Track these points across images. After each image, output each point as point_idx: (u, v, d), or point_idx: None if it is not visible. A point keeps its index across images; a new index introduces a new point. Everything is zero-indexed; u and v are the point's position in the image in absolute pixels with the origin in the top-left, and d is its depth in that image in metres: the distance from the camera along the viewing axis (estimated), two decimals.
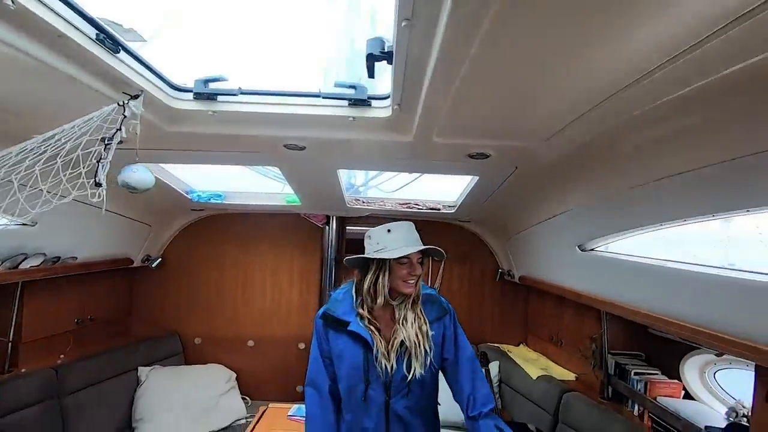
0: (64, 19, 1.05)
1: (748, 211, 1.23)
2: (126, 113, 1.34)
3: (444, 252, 1.51)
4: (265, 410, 2.59)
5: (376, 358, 1.44)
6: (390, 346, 1.46)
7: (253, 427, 2.38)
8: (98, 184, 1.20)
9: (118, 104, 1.33)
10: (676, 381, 2.22)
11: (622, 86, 1.14)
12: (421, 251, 1.48)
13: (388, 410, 1.47)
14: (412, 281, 1.46)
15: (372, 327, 1.47)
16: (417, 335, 1.45)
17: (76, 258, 2.57)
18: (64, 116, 1.27)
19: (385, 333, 1.49)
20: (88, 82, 1.27)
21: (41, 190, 1.16)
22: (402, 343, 1.44)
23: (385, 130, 1.66)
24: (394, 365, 1.44)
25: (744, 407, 1.91)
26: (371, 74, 1.30)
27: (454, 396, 1.58)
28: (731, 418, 1.90)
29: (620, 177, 1.68)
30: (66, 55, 1.15)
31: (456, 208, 2.89)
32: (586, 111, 1.33)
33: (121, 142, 1.55)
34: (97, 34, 1.12)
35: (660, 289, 1.77)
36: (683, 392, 2.20)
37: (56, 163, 1.13)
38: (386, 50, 1.21)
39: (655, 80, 1.07)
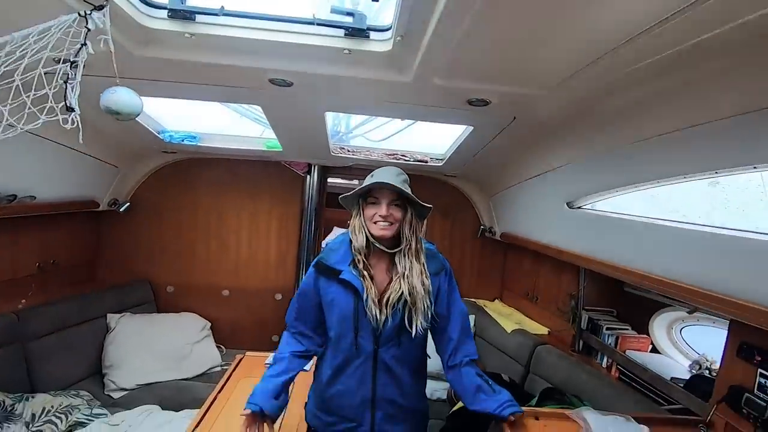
0: None
1: (755, 168, 1.21)
2: (89, 26, 1.16)
3: (421, 202, 1.41)
4: (242, 358, 2.55)
5: (366, 304, 1.40)
6: (385, 296, 1.42)
7: (230, 374, 2.35)
8: (70, 108, 1.04)
9: (79, 14, 1.15)
10: (644, 336, 2.33)
11: (623, 41, 1.12)
12: (400, 196, 1.40)
13: (376, 359, 1.45)
14: (383, 224, 1.39)
15: (366, 273, 1.42)
16: (422, 290, 1.41)
17: (35, 198, 2.36)
18: (14, 24, 1.09)
19: (380, 282, 1.45)
20: None
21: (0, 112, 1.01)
22: (401, 296, 1.40)
23: (382, 66, 1.54)
24: (389, 316, 1.41)
25: (707, 360, 2.02)
26: None
27: (437, 347, 1.58)
28: (695, 370, 2.01)
29: (614, 134, 1.66)
30: None
31: (444, 161, 2.82)
32: (589, 63, 1.29)
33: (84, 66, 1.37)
34: None
35: (641, 246, 1.80)
36: (650, 347, 2.31)
37: (14, 81, 0.96)
38: None
39: (653, 36, 1.06)
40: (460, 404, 2.33)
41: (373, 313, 1.40)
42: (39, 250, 2.70)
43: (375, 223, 1.39)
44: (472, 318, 3.22)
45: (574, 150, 1.93)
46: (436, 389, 2.84)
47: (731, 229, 1.42)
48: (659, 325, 2.34)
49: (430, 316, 1.44)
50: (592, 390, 2.13)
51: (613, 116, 1.58)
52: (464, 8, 1.06)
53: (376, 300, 1.42)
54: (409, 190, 1.40)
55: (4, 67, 1.05)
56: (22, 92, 1.03)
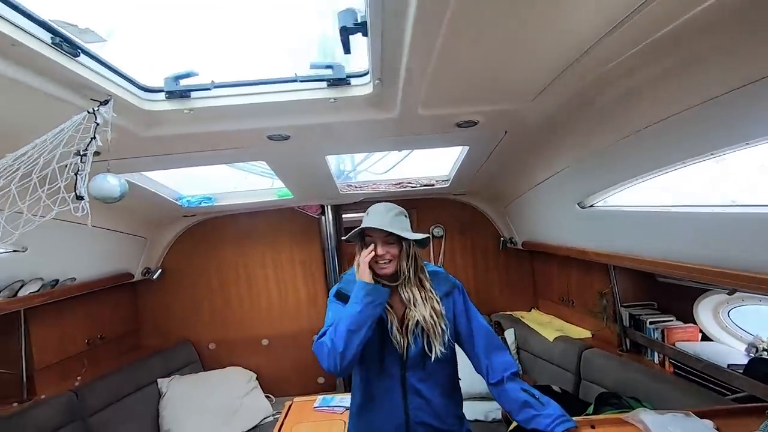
0: (15, 26, 0.99)
1: (747, 144, 1.19)
2: (98, 120, 1.28)
3: (404, 234, 1.41)
4: (290, 405, 2.58)
5: (391, 332, 1.42)
6: (403, 325, 1.45)
7: (282, 423, 2.37)
8: (80, 197, 1.15)
9: (88, 112, 1.27)
10: (691, 325, 2.22)
11: (597, 39, 1.13)
12: (389, 233, 1.42)
13: (404, 384, 1.46)
14: (382, 263, 1.43)
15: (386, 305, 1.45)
16: (432, 315, 1.43)
17: (75, 279, 2.53)
18: (33, 131, 1.21)
19: (398, 310, 1.48)
20: (52, 91, 1.21)
21: (21, 211, 1.12)
22: (417, 323, 1.42)
23: (368, 107, 1.60)
24: (411, 343, 1.43)
25: (763, 341, 1.91)
26: (347, 49, 1.24)
27: (475, 367, 1.57)
28: (752, 354, 1.89)
29: (611, 129, 1.64)
30: (24, 65, 1.10)
31: (449, 182, 2.85)
32: (566, 67, 1.30)
33: (98, 153, 1.51)
34: (52, 38, 1.06)
35: (663, 235, 1.75)
36: (700, 335, 2.20)
37: (32, 179, 1.08)
38: (359, 21, 1.15)
39: (626, 29, 1.06)
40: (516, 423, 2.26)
41: (398, 339, 1.43)
42: (86, 327, 2.86)
43: (376, 262, 1.43)
44: (511, 332, 3.15)
45: (574, 150, 1.93)
46: (490, 410, 2.77)
47: (747, 205, 1.37)
48: (704, 311, 2.23)
49: (447, 339, 1.45)
50: (648, 389, 2.04)
51: (604, 113, 1.59)
52: (429, 44, 1.11)
53: (400, 328, 1.44)
54: (403, 224, 1.44)
55: (24, 169, 1.18)
56: (38, 188, 1.14)
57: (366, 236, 1.46)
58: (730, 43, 1.05)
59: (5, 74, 1.09)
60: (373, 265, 1.43)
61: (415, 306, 1.43)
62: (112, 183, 1.25)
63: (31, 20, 1.01)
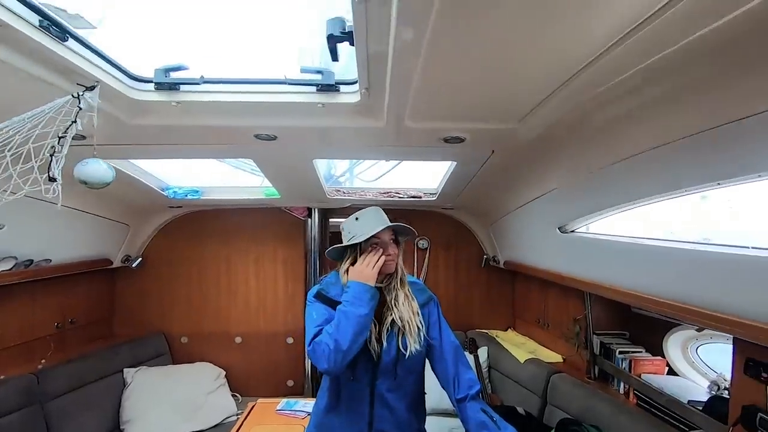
0: (3, 6, 0.99)
1: (719, 183, 1.21)
2: (81, 105, 1.28)
3: (411, 227, 1.52)
4: (253, 406, 2.57)
5: (369, 339, 1.43)
6: (379, 329, 1.47)
7: (241, 424, 2.36)
8: (52, 179, 1.15)
9: (72, 96, 1.27)
10: (659, 358, 2.25)
11: (587, 61, 1.12)
12: (394, 231, 1.52)
13: (372, 392, 1.47)
14: (390, 262, 1.48)
15: None
16: (409, 313, 1.47)
17: (51, 260, 2.50)
18: (15, 112, 1.21)
19: (376, 316, 1.49)
20: (37, 73, 1.21)
21: None
22: (393, 323, 1.45)
23: (356, 115, 1.62)
24: (385, 345, 1.45)
25: (725, 380, 1.93)
26: (335, 57, 1.26)
27: (439, 381, 1.58)
28: (713, 392, 1.92)
29: (594, 156, 1.67)
30: (10, 46, 1.10)
31: (437, 196, 2.87)
32: (555, 89, 1.31)
33: (84, 137, 1.50)
34: (40, 20, 1.06)
35: (640, 268, 1.78)
36: (667, 368, 2.23)
37: (4, 156, 1.07)
38: (347, 30, 1.17)
39: (618, 54, 1.06)
40: None
41: (374, 346, 1.44)
42: (57, 310, 2.82)
43: (384, 263, 1.47)
44: (484, 350, 3.16)
45: (558, 174, 1.96)
46: (454, 427, 2.76)
47: (723, 245, 1.40)
48: (674, 345, 2.26)
49: (423, 338, 1.48)
50: (609, 418, 2.05)
51: (590, 138, 1.61)
52: (412, 57, 1.13)
53: (378, 336, 1.46)
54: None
55: None
56: (10, 166, 1.14)
57: (374, 237, 1.48)
58: (722, 75, 1.05)
59: None
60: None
61: (395, 305, 1.47)
62: (102, 168, 1.25)
63: (20, 2, 1.02)
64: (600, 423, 2.06)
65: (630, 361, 2.25)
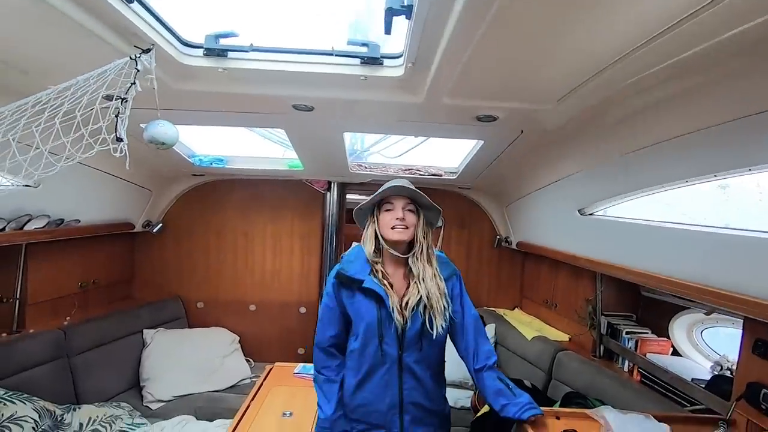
0: None
1: (750, 170, 1.27)
2: (138, 67, 1.32)
3: (425, 195, 1.51)
4: (271, 369, 2.66)
5: (391, 312, 1.47)
6: (403, 303, 1.50)
7: (261, 384, 2.45)
8: (119, 139, 1.20)
9: (130, 57, 1.31)
10: (665, 339, 2.34)
11: (626, 52, 1.18)
12: (412, 201, 1.51)
13: (401, 364, 1.51)
14: (399, 227, 1.48)
15: (385, 282, 1.50)
16: (437, 292, 1.49)
17: (80, 221, 2.56)
18: (76, 71, 1.25)
19: (398, 288, 1.53)
20: (101, 33, 1.25)
21: (59, 146, 1.16)
22: (419, 300, 1.48)
23: (395, 90, 1.66)
24: (409, 321, 1.48)
25: (728, 361, 2.03)
26: (388, 30, 1.29)
27: (458, 351, 1.64)
28: (716, 372, 2.02)
29: (622, 141, 1.72)
30: (81, 3, 1.13)
31: (458, 175, 2.92)
32: (591, 75, 1.36)
33: (125, 100, 1.54)
34: None
35: (656, 250, 1.84)
36: (671, 349, 2.33)
37: (75, 116, 1.12)
38: (406, 4, 1.20)
39: (656, 47, 1.12)
40: (483, 410, 2.37)
41: (398, 319, 1.47)
42: (81, 270, 2.90)
43: (392, 228, 1.48)
44: (492, 327, 3.26)
45: (583, 158, 2.01)
46: (459, 398, 2.88)
47: (738, 229, 1.47)
48: (679, 328, 2.36)
49: (448, 316, 1.52)
50: (614, 393, 2.15)
51: (618, 125, 1.66)
52: (470, 34, 1.17)
53: (399, 308, 1.49)
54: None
55: (68, 105, 1.22)
56: (81, 127, 1.19)
57: (385, 203, 1.51)
58: (746, 71, 1.11)
59: (59, 7, 1.12)
60: (388, 232, 1.49)
61: (423, 281, 1.49)
62: (171, 129, 1.30)
63: None
64: (604, 397, 2.16)
65: (636, 341, 2.35)
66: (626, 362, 2.43)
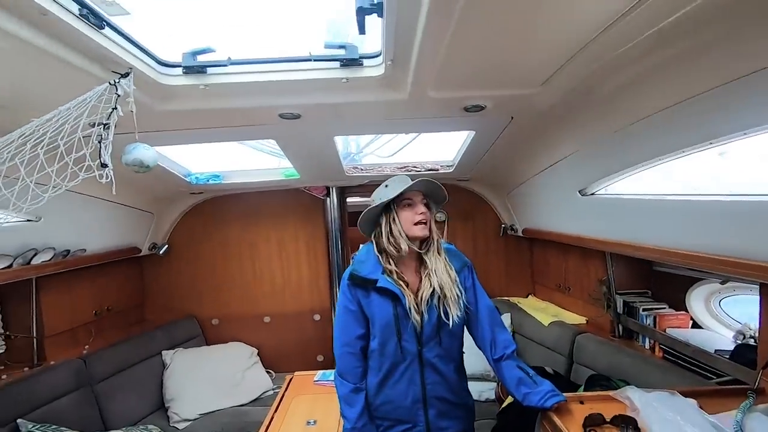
0: None
1: (745, 134, 1.23)
2: (118, 92, 1.32)
3: (439, 184, 1.53)
4: (291, 379, 2.66)
5: (408, 310, 1.46)
6: (419, 298, 1.49)
7: (283, 395, 2.46)
8: (104, 165, 1.20)
9: (110, 83, 1.31)
10: (683, 312, 2.29)
11: (606, 25, 1.15)
12: (425, 196, 1.53)
13: (421, 359, 1.51)
14: (422, 221, 1.49)
15: (400, 281, 1.50)
16: (449, 282, 1.49)
17: (85, 250, 2.60)
18: (56, 101, 1.26)
19: (412, 284, 1.52)
20: (76, 62, 1.25)
21: (45, 177, 1.17)
22: (433, 292, 1.47)
23: (378, 88, 1.64)
24: (425, 315, 1.47)
25: (750, 329, 1.97)
26: (362, 30, 1.28)
27: (476, 343, 1.63)
28: (739, 341, 1.96)
29: (615, 117, 1.68)
30: (51, 35, 1.14)
31: (454, 167, 2.89)
32: (575, 52, 1.33)
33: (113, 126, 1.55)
34: (79, 9, 1.10)
35: (663, 223, 1.80)
36: (691, 322, 2.27)
37: (59, 147, 1.12)
38: (376, 2, 1.18)
39: (636, 16, 1.09)
40: (508, 401, 2.35)
41: (414, 316, 1.47)
42: (93, 298, 2.94)
43: (416, 224, 1.48)
44: (507, 316, 3.23)
45: (578, 138, 1.97)
46: (483, 390, 2.86)
47: (746, 194, 1.42)
48: (696, 300, 2.30)
49: (463, 305, 1.51)
50: (637, 372, 2.12)
51: (609, 100, 1.62)
52: (443, 24, 1.15)
53: (416, 305, 1.48)
54: None
55: (51, 136, 1.22)
56: (65, 155, 1.19)
57: (405, 199, 1.51)
58: (735, 32, 1.08)
59: (34, 43, 1.13)
60: (412, 228, 1.49)
61: (435, 273, 1.48)
62: (148, 151, 1.30)
63: None
64: (627, 376, 2.12)
65: (654, 317, 2.30)
66: (647, 340, 2.38)
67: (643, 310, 2.38)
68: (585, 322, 2.84)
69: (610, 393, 1.62)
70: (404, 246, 1.49)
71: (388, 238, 1.50)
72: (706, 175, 1.63)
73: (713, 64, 1.20)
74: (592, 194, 2.18)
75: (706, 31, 1.11)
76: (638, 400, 1.51)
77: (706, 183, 1.64)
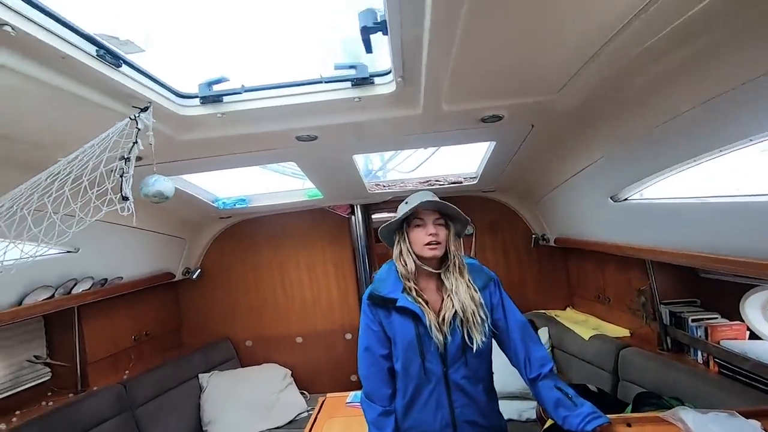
0: (64, 40, 1.08)
1: None
2: (139, 126, 1.37)
3: (454, 206, 1.47)
4: (323, 401, 2.63)
5: (429, 330, 1.42)
6: (440, 318, 1.44)
7: (315, 418, 2.43)
8: (125, 198, 1.23)
9: (130, 118, 1.37)
10: (738, 322, 2.10)
11: (624, 23, 1.09)
12: (440, 214, 1.48)
13: (447, 381, 1.45)
14: (433, 243, 1.44)
15: (420, 299, 1.45)
16: (472, 305, 1.43)
17: (122, 278, 2.70)
18: (81, 138, 1.32)
19: (433, 303, 1.48)
20: (97, 100, 1.31)
21: (74, 210, 1.21)
22: (455, 314, 1.42)
23: (392, 106, 1.63)
24: (448, 336, 1.42)
25: None
26: (368, 49, 1.27)
27: (510, 361, 1.56)
28: None
29: (641, 118, 1.59)
30: (72, 77, 1.19)
31: (478, 179, 2.83)
32: (592, 54, 1.27)
33: (139, 158, 1.61)
34: (97, 50, 1.15)
35: (707, 228, 1.67)
36: (748, 333, 2.08)
37: (83, 182, 1.17)
38: (379, 20, 1.18)
39: (655, 11, 1.03)
40: (549, 422, 2.22)
41: (437, 336, 1.42)
42: (132, 325, 3.04)
43: (425, 245, 1.44)
44: (545, 330, 3.08)
45: (601, 142, 1.87)
46: (523, 410, 2.72)
47: None
48: (752, 308, 2.10)
49: (488, 329, 1.45)
50: (690, 389, 1.96)
51: (633, 101, 1.53)
52: (449, 35, 1.12)
53: (437, 324, 1.43)
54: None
55: (76, 172, 1.28)
56: (88, 190, 1.23)
57: (415, 218, 1.48)
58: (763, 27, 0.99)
59: (57, 85, 1.19)
60: (421, 249, 1.45)
61: (456, 294, 1.43)
62: (166, 183, 1.34)
63: (78, 34, 1.10)
64: (680, 394, 1.95)
65: (706, 328, 2.12)
66: (699, 353, 2.20)
67: (692, 320, 2.21)
68: (629, 334, 2.67)
69: (660, 414, 1.50)
70: (411, 266, 1.46)
71: (399, 257, 1.49)
72: (752, 175, 1.51)
73: (749, 53, 1.10)
74: (625, 200, 2.06)
75: (738, 20, 1.03)
76: (692, 423, 1.39)
77: (752, 183, 1.51)
